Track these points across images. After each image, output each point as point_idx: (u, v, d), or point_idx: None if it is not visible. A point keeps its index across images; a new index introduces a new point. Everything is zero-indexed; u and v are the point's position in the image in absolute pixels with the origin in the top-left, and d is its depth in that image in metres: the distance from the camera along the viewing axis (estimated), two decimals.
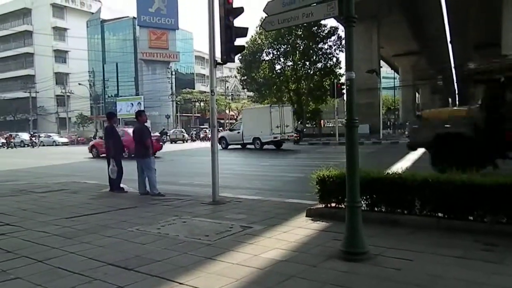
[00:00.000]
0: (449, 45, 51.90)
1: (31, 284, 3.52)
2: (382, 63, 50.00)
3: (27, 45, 68.69)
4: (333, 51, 39.92)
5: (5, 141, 42.99)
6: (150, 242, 4.77)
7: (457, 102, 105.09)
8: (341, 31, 39.44)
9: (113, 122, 9.63)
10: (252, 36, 40.36)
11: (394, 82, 53.99)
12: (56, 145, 46.89)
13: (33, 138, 45.75)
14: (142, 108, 55.29)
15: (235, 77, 56.90)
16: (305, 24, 33.96)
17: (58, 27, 67.91)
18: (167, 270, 3.77)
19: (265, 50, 41.28)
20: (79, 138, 53.54)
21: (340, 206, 5.61)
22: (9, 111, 64.22)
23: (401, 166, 11.61)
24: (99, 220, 6.06)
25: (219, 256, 4.15)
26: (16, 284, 3.53)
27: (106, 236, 5.10)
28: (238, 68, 44.59)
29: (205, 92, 63.51)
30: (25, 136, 47.70)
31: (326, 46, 39.93)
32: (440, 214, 4.94)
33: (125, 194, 8.84)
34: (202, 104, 63.66)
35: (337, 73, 40.29)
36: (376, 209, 5.39)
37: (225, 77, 71.01)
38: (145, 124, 9.16)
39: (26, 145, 44.25)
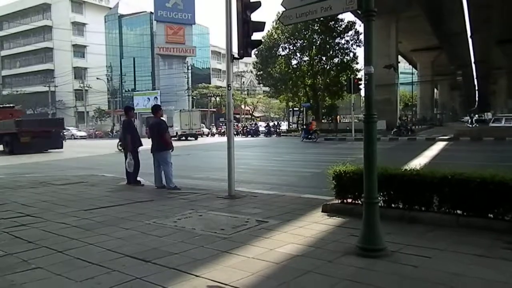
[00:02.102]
0: (470, 41, 50.90)
1: (52, 273, 3.59)
2: (400, 58, 49.34)
3: (46, 40, 69.66)
4: (350, 46, 39.51)
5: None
6: (167, 235, 4.81)
7: (476, 99, 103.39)
8: (359, 26, 39.05)
9: (130, 116, 9.72)
10: (269, 31, 40.18)
11: (412, 77, 53.33)
12: (75, 138, 47.60)
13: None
14: (159, 103, 55.78)
15: (251, 72, 56.80)
16: (322, 19, 33.70)
17: (77, 22, 68.70)
18: (184, 262, 3.81)
19: (281, 45, 41.10)
20: (96, 132, 54.27)
21: (356, 202, 5.57)
22: (29, 105, 65.38)
23: (418, 162, 11.49)
24: (117, 213, 6.15)
25: (235, 249, 4.17)
26: (37, 274, 3.60)
27: (124, 228, 5.17)
28: (254, 63, 44.51)
29: (221, 87, 63.55)
30: None
31: (343, 41, 39.54)
32: (459, 212, 4.87)
33: (142, 187, 8.93)
34: (218, 99, 63.75)
35: (354, 68, 39.89)
36: (393, 205, 5.33)
37: (241, 72, 71.02)
38: (162, 118, 9.20)
39: None
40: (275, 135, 39.81)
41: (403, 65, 69.30)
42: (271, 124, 45.20)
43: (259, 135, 40.64)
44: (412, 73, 59.12)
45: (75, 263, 3.87)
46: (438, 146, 20.35)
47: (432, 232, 4.62)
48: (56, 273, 3.59)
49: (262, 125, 45.63)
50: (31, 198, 7.58)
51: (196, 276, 3.48)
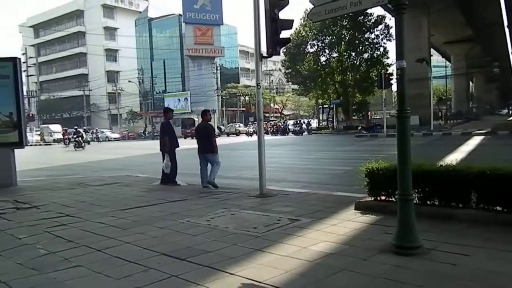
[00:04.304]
0: (506, 30, 48.89)
1: (92, 271, 3.71)
2: (432, 51, 48.04)
3: (80, 45, 71.97)
4: (380, 41, 38.81)
5: (62, 137, 43.31)
6: (200, 233, 4.88)
7: None
8: (389, 20, 38.30)
9: (168, 117, 9.85)
10: (296, 28, 39.97)
11: (445, 71, 51.87)
12: (109, 140, 48.90)
13: (89, 133, 43.37)
14: (189, 104, 56.55)
15: (280, 70, 56.70)
16: (350, 14, 33.25)
17: (109, 27, 70.60)
18: (218, 261, 3.85)
19: (309, 42, 40.82)
20: (129, 134, 55.55)
21: (390, 199, 5.48)
22: (66, 109, 67.69)
23: (455, 157, 11.16)
24: (151, 212, 6.28)
25: (268, 248, 4.18)
26: (78, 271, 3.73)
27: (158, 227, 5.28)
28: (283, 61, 44.39)
29: (249, 86, 63.81)
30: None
31: (372, 36, 38.90)
32: (498, 208, 4.71)
33: (177, 187, 9.08)
34: (247, 98, 64.02)
35: (385, 63, 39.17)
36: (428, 202, 5.21)
37: (269, 70, 70.98)
38: (209, 122, 9.35)
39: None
40: (305, 133, 39.51)
41: (436, 58, 67.44)
42: (302, 121, 44.77)
43: (288, 133, 40.38)
44: (446, 66, 57.47)
45: (113, 261, 3.99)
46: (475, 141, 19.70)
47: (470, 229, 4.48)
48: (95, 271, 3.70)
49: (290, 123, 45.29)
50: (70, 198, 7.84)
51: (231, 274, 3.51)
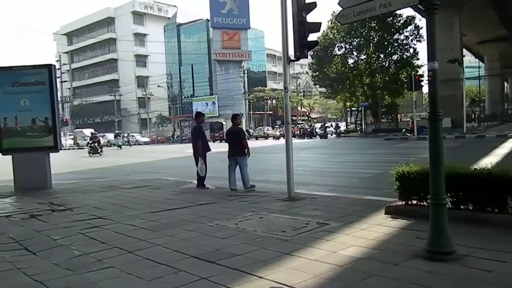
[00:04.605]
0: None
1: (124, 272, 3.79)
2: (465, 52, 46.72)
3: (111, 52, 73.82)
4: (409, 42, 38.08)
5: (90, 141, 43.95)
6: (229, 236, 4.91)
7: None
8: (418, 20, 37.55)
9: (200, 121, 9.98)
10: (324, 31, 39.71)
11: (479, 71, 50.29)
12: (139, 144, 49.81)
13: (120, 137, 45.13)
14: (216, 108, 57.04)
15: (307, 73, 56.45)
16: (379, 15, 32.78)
17: (139, 33, 72.11)
18: (247, 264, 3.86)
19: (337, 45, 40.49)
20: (159, 138, 56.42)
21: (421, 203, 5.36)
22: (97, 113, 69.52)
23: (489, 161, 10.82)
24: (181, 215, 6.36)
25: (297, 251, 4.16)
26: (111, 272, 3.82)
27: (188, 230, 5.34)
28: (310, 64, 44.15)
29: (276, 89, 63.75)
30: (110, 136, 50.96)
31: (402, 37, 38.20)
32: None
33: (206, 190, 9.17)
34: (274, 101, 63.97)
35: (415, 64, 38.38)
36: (462, 207, 5.07)
37: (296, 73, 70.75)
38: (239, 126, 9.45)
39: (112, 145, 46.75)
40: (334, 135, 39.04)
41: (469, 59, 65.53)
42: (328, 124, 44.22)
43: (315, 136, 40.05)
44: (479, 67, 55.80)
45: (144, 263, 4.06)
46: (511, 144, 19.01)
47: (507, 235, 4.33)
48: (127, 272, 3.78)
49: (318, 127, 44.89)
50: (102, 201, 8.04)
51: (260, 277, 3.52)
